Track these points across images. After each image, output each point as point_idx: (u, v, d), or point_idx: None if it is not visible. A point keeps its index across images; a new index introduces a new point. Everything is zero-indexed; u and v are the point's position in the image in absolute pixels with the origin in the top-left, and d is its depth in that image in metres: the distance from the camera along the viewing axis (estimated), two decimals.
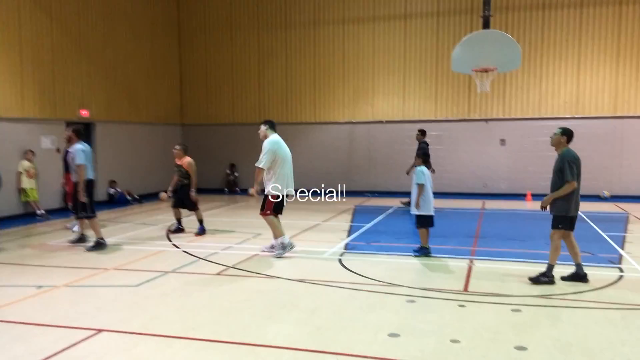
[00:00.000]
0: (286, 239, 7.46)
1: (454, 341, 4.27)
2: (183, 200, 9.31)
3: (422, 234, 7.31)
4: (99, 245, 8.00)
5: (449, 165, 14.68)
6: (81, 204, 8.04)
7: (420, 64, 15.13)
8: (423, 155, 7.53)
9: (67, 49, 12.76)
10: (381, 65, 15.48)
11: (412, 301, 5.36)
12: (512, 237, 8.79)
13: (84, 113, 13.21)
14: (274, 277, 6.35)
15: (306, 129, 16.10)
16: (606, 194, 13.72)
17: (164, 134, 16.03)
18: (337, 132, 16.02)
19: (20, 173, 11.22)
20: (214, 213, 12.04)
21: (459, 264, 6.87)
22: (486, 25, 11.57)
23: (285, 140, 7.68)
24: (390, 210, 11.95)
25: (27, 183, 11.24)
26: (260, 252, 7.64)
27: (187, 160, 9.31)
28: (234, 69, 16.82)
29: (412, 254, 7.28)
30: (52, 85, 12.35)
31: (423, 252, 7.27)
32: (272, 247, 7.58)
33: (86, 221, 8.34)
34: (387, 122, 15.50)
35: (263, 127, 7.58)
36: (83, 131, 8.62)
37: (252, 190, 7.55)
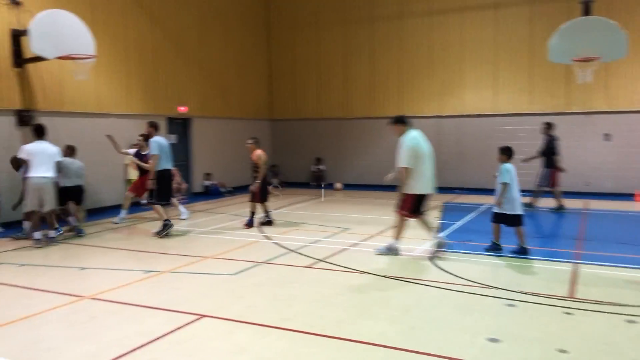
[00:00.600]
0: (397, 244, 7.22)
1: (561, 351, 3.99)
2: (260, 192, 9.49)
3: (494, 228, 7.21)
4: (166, 227, 8.56)
5: None
6: (154, 191, 8.65)
7: (513, 54, 14.28)
8: (507, 151, 7.25)
9: (167, 49, 13.61)
10: (470, 57, 14.82)
11: (512, 305, 5.09)
12: (622, 240, 8.01)
13: (182, 109, 14.03)
14: (364, 272, 6.34)
15: None
16: None
17: (254, 129, 16.54)
18: (424, 126, 15.15)
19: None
20: (301, 207, 12.27)
21: (561, 268, 6.41)
22: (587, 11, 10.71)
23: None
24: (482, 208, 11.45)
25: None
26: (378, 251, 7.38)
27: (256, 153, 9.50)
28: (320, 64, 16.97)
29: (484, 252, 7.16)
30: (154, 83, 13.24)
31: (493, 247, 7.16)
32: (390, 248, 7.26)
33: (160, 208, 8.77)
34: (477, 115, 14.86)
35: (395, 125, 7.19)
36: (159, 126, 9.40)
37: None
